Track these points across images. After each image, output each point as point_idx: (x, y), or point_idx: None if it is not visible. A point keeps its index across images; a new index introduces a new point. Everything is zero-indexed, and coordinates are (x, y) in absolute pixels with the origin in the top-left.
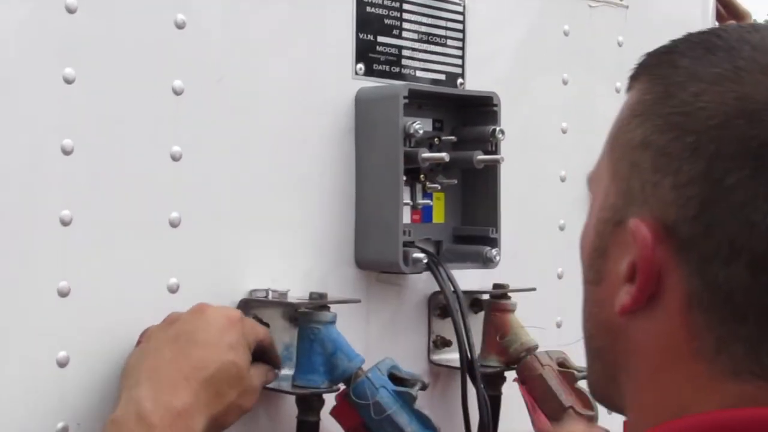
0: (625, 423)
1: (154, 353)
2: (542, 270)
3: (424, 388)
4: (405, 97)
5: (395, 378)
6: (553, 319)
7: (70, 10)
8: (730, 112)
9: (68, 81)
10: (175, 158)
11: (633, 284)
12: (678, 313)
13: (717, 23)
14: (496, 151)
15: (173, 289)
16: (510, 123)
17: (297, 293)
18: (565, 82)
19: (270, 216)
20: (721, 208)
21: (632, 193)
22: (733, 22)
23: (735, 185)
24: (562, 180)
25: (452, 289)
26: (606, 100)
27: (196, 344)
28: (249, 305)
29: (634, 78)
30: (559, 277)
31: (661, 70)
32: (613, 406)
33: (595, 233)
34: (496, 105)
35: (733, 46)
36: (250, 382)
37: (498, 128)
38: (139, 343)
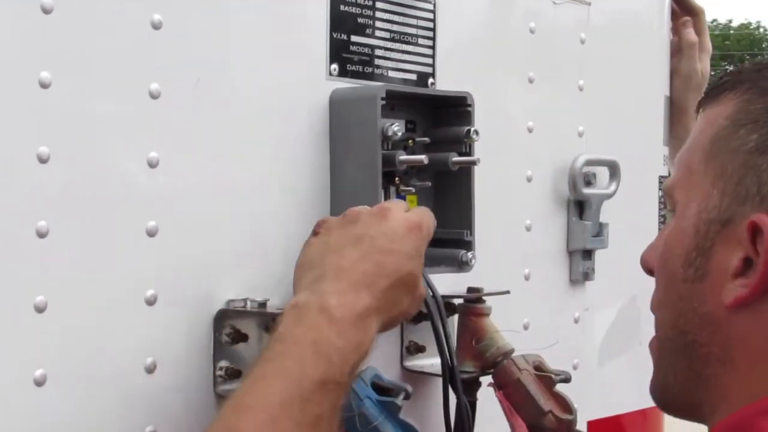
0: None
1: (337, 251)
2: (509, 272)
3: (407, 397)
4: (382, 99)
5: (378, 387)
6: (520, 321)
7: (46, 11)
8: None
9: (44, 85)
10: (152, 165)
11: (747, 277)
12: None
13: (672, 20)
14: (470, 153)
15: (150, 301)
16: (477, 122)
17: (276, 302)
18: (531, 81)
19: (247, 223)
20: None
21: (747, 194)
22: (687, 18)
23: None
24: (528, 180)
25: (431, 293)
26: (569, 98)
27: (380, 251)
28: (227, 315)
29: (725, 90)
30: (526, 278)
31: (766, 83)
32: (684, 407)
33: (694, 233)
34: (470, 105)
35: None
36: (421, 292)
37: (473, 129)
38: (316, 233)
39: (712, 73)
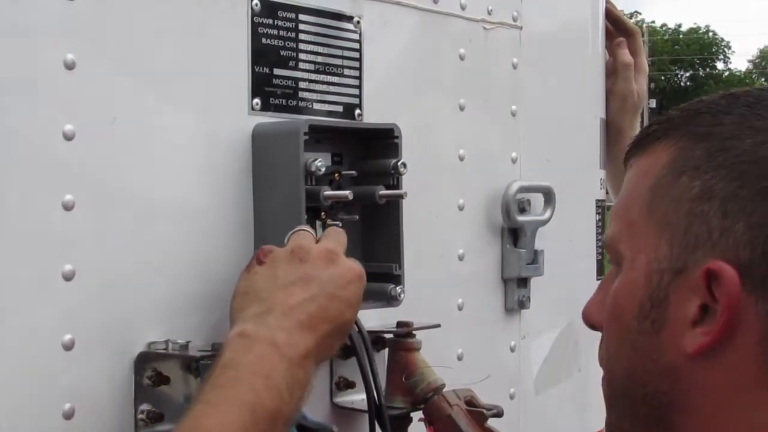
0: None
1: (285, 287)
2: (443, 302)
3: None
4: (305, 133)
5: (302, 428)
6: (454, 352)
7: None
8: (762, 140)
9: None
10: (67, 207)
11: (707, 325)
12: (753, 347)
13: (607, 41)
14: (398, 185)
15: (68, 346)
16: (407, 152)
17: (198, 343)
18: (461, 108)
19: (167, 262)
20: None
21: (697, 241)
22: (622, 39)
23: None
24: (461, 208)
25: (356, 329)
26: (502, 124)
27: (327, 296)
28: (148, 358)
29: (656, 139)
30: (460, 308)
31: (701, 128)
32: None
33: (646, 285)
34: (397, 137)
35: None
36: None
37: (400, 161)
38: (260, 262)
39: (664, 76)
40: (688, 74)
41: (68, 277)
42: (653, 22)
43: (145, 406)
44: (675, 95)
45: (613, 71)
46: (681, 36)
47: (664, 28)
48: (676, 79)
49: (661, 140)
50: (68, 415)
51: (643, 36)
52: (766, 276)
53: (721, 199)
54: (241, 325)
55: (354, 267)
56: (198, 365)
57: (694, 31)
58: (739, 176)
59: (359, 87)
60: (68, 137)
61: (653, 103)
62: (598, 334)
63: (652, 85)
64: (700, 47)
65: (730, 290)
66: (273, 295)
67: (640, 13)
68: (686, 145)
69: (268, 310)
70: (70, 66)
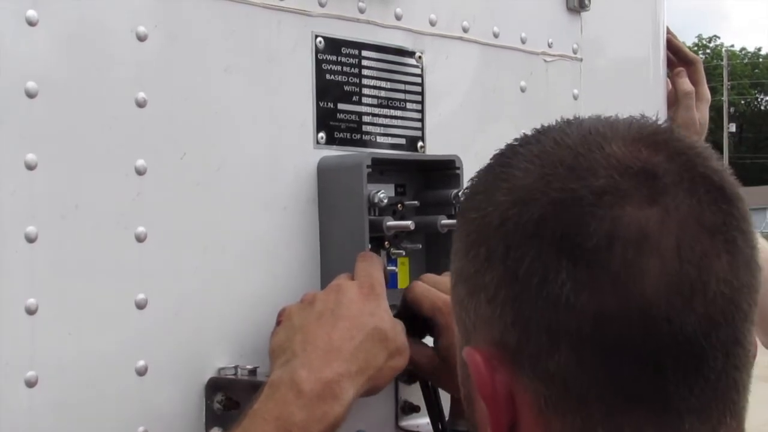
0: None
1: (302, 329)
2: None
3: None
4: (368, 167)
5: None
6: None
7: (30, 95)
8: (503, 208)
9: (30, 167)
10: (140, 239)
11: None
12: (534, 423)
13: (669, 71)
14: None
15: (141, 372)
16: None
17: (266, 369)
18: None
19: (236, 291)
20: (527, 299)
21: (465, 328)
22: (681, 68)
23: (528, 269)
24: None
25: None
26: None
27: (342, 318)
28: (218, 384)
29: None
30: None
31: (461, 207)
32: None
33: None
34: (458, 168)
35: (506, 152)
36: (397, 343)
37: (461, 192)
38: (279, 322)
39: (744, 100)
40: (767, 98)
41: (141, 306)
42: (732, 46)
43: (215, 430)
44: (755, 119)
45: (674, 101)
46: (761, 59)
47: (743, 52)
48: (756, 103)
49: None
50: None
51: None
52: (516, 347)
53: (464, 279)
54: (270, 377)
55: (360, 283)
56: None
57: None
58: (469, 249)
59: (422, 120)
60: (140, 172)
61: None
62: None
63: (732, 110)
64: None
65: (481, 379)
66: (293, 341)
67: (719, 38)
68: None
69: (293, 354)
70: (141, 104)
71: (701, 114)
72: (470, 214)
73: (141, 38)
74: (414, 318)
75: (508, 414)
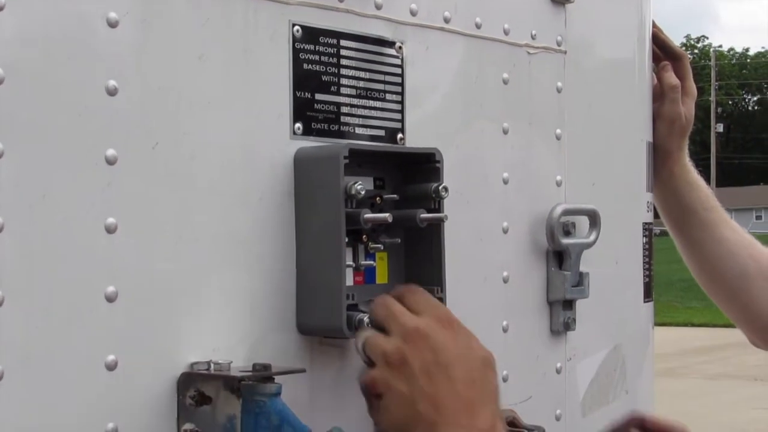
0: None
1: (421, 394)
2: (487, 324)
3: None
4: (345, 157)
5: None
6: (499, 374)
7: None
8: None
9: None
10: (110, 230)
11: None
12: None
13: (654, 65)
14: (439, 209)
15: (111, 367)
16: (451, 175)
17: (239, 363)
18: (505, 132)
19: (209, 284)
20: None
21: None
22: (667, 62)
23: None
24: (505, 231)
25: None
26: (546, 147)
27: (449, 366)
28: (190, 379)
29: None
30: (504, 330)
31: None
32: None
33: None
34: (438, 161)
35: None
36: (494, 359)
37: (441, 186)
38: (376, 396)
39: (732, 101)
40: (755, 98)
41: (111, 299)
42: (720, 46)
43: (187, 426)
44: (742, 119)
45: (660, 94)
46: (749, 60)
47: (731, 53)
48: (743, 103)
49: None
50: None
51: (710, 60)
52: None
53: None
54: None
55: (439, 319)
56: (239, 385)
57: (762, 55)
58: None
59: (401, 111)
60: (110, 162)
61: (720, 128)
62: (646, 357)
63: (720, 110)
64: (767, 71)
65: None
66: (418, 410)
67: (707, 38)
68: None
69: (431, 423)
70: (112, 92)
71: (687, 109)
72: None
73: (112, 24)
74: None
75: None
